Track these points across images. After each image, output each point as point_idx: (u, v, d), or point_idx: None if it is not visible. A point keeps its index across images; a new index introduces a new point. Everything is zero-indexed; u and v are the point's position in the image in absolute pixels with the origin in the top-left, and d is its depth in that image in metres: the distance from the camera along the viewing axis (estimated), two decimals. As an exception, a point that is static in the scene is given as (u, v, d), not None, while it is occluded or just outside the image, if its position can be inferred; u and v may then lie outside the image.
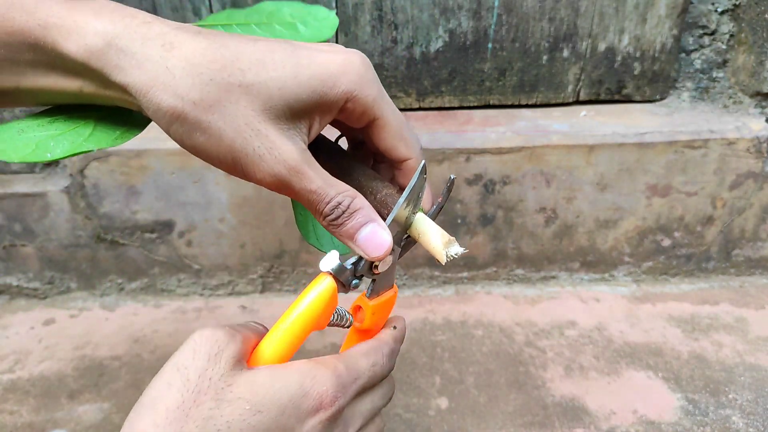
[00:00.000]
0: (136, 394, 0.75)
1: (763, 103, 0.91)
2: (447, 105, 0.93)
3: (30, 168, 0.88)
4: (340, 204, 0.32)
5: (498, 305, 0.92)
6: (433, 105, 0.93)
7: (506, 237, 0.92)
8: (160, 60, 0.29)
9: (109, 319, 0.90)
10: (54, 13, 0.30)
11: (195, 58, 0.29)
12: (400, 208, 0.33)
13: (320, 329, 0.33)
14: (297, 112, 0.31)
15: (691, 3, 0.89)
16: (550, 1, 0.86)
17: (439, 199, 0.37)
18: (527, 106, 0.94)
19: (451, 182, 0.36)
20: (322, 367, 0.31)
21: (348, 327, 0.36)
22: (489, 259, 0.94)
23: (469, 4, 0.85)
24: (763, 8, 0.86)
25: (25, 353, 0.83)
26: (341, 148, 0.39)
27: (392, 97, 0.91)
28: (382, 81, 0.90)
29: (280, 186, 0.31)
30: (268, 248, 0.91)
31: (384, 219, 0.34)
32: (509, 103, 0.94)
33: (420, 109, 0.93)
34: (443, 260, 0.33)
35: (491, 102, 0.93)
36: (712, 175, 0.89)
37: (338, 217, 0.32)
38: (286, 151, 0.30)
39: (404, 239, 0.36)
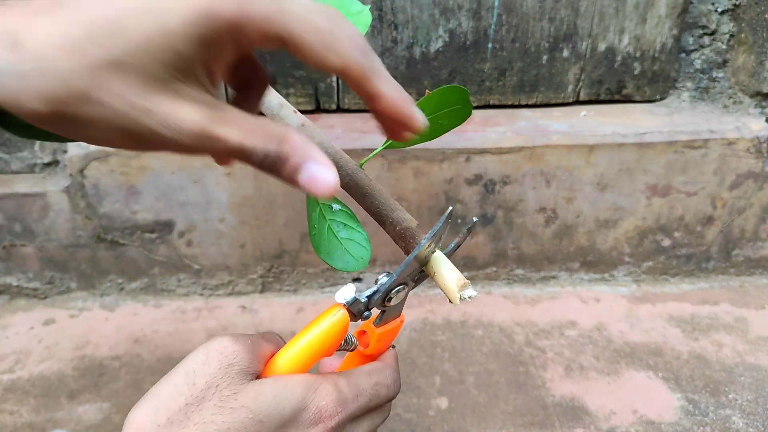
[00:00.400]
0: (136, 393, 0.75)
1: (763, 103, 0.91)
2: (447, 105, 0.93)
3: (30, 168, 0.88)
4: (267, 155, 0.27)
5: (498, 305, 0.92)
6: (433, 105, 0.93)
7: (506, 237, 0.92)
8: (11, 66, 0.24)
9: (109, 319, 0.90)
10: None
11: (47, 52, 0.24)
12: (422, 248, 0.34)
13: (328, 356, 0.34)
14: (184, 69, 0.26)
15: (691, 3, 0.89)
16: (550, 1, 0.86)
17: (459, 239, 0.38)
18: (527, 106, 0.94)
19: (464, 222, 0.38)
20: (324, 381, 0.31)
21: (352, 350, 0.37)
22: (489, 259, 0.94)
23: (469, 4, 0.85)
24: (763, 8, 0.86)
25: (25, 353, 0.83)
26: (358, 169, 0.39)
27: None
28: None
29: (200, 152, 0.27)
30: (268, 248, 0.91)
31: (406, 254, 0.35)
32: (509, 103, 0.94)
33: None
34: (456, 303, 0.34)
35: (491, 102, 0.93)
36: (712, 175, 0.89)
37: (272, 167, 0.27)
38: (184, 119, 0.25)
39: (419, 273, 0.37)
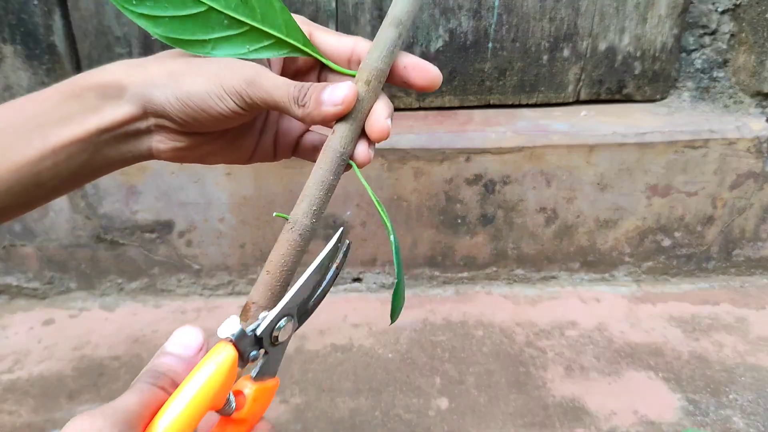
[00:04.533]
0: (135, 394, 0.75)
1: (764, 103, 0.91)
2: (447, 105, 0.93)
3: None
4: (303, 85, 0.34)
5: (498, 305, 0.92)
6: (433, 105, 0.93)
7: (506, 237, 0.92)
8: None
9: (108, 319, 0.89)
10: None
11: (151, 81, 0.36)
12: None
13: (216, 408, 0.28)
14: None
15: (692, 2, 0.89)
16: (551, 0, 0.86)
17: (335, 265, 0.34)
18: (527, 105, 0.94)
19: (347, 247, 0.34)
20: None
21: (229, 414, 0.30)
22: (489, 259, 0.94)
23: (469, 4, 0.85)
24: (763, 8, 0.86)
25: (24, 353, 0.83)
26: None
27: (392, 96, 0.91)
28: (382, 81, 0.90)
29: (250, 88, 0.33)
30: (268, 248, 0.91)
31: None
32: (509, 102, 0.94)
33: (420, 108, 0.93)
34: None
35: (491, 102, 0.93)
36: (712, 175, 0.89)
37: (305, 94, 0.33)
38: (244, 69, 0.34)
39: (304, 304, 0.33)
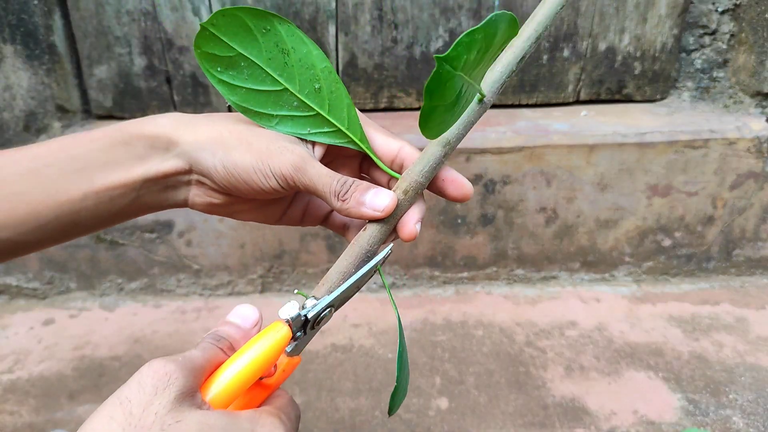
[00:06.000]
0: (135, 394, 0.75)
1: (764, 103, 0.91)
2: (447, 105, 0.93)
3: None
4: (346, 181, 0.35)
5: (498, 305, 0.92)
6: (433, 105, 0.92)
7: (506, 237, 0.92)
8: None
9: (108, 320, 0.89)
10: None
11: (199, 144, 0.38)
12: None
13: (269, 375, 0.33)
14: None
15: (692, 3, 0.89)
16: (551, 0, 0.86)
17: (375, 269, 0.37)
18: (528, 105, 0.94)
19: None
20: (267, 414, 0.31)
21: (260, 378, 0.35)
22: (489, 259, 0.94)
23: (469, 4, 0.85)
24: (763, 8, 0.86)
25: (24, 353, 0.83)
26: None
27: (392, 97, 0.91)
28: (383, 81, 0.90)
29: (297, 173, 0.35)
30: (268, 248, 0.91)
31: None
32: (509, 102, 0.94)
33: (420, 108, 0.93)
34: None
35: (491, 102, 0.93)
36: (712, 175, 0.89)
37: (347, 190, 0.35)
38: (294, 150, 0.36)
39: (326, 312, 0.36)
